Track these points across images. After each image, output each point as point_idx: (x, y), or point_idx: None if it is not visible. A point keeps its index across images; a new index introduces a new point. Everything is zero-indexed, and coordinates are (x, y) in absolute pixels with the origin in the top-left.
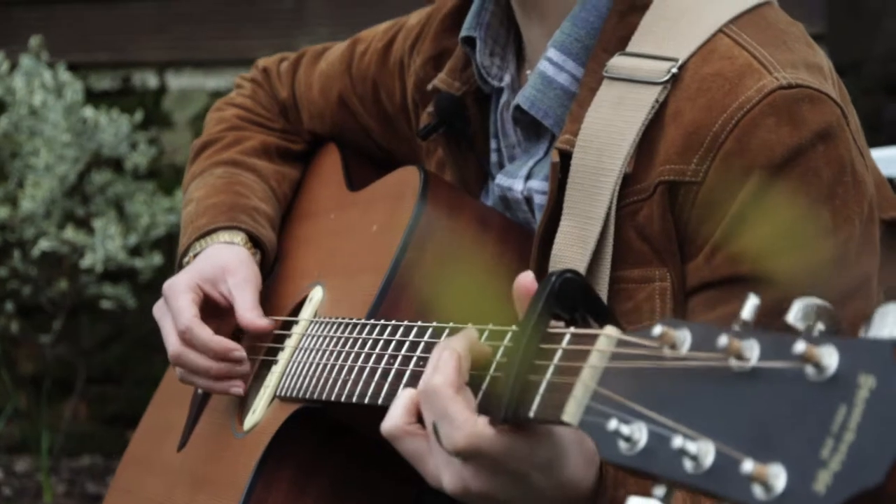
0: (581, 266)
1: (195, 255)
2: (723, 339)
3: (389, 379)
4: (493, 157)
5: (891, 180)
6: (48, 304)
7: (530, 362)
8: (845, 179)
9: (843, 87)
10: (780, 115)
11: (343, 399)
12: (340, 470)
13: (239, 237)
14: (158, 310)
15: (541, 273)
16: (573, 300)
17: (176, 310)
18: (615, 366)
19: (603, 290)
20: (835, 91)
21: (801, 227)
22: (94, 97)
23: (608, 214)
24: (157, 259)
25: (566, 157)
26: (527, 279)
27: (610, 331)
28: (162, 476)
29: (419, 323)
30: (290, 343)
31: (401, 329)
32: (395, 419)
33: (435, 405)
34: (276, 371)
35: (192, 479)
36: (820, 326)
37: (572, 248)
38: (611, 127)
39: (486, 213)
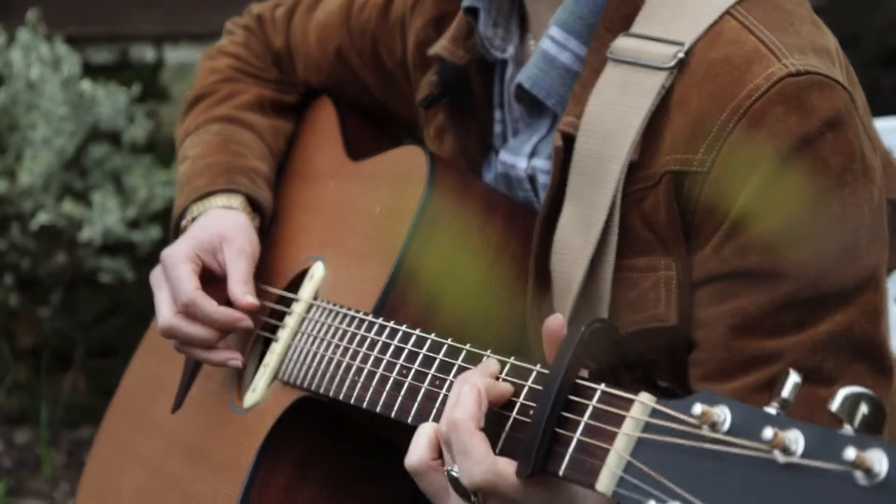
0: (585, 253)
1: (193, 219)
2: (768, 432)
3: (403, 392)
4: (497, 129)
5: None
6: (47, 277)
7: (559, 414)
8: (854, 167)
9: (850, 66)
10: (788, 103)
11: (352, 402)
12: (341, 459)
13: (237, 201)
14: (155, 278)
15: (542, 259)
16: (602, 350)
17: (175, 280)
18: (650, 437)
19: (607, 278)
20: (843, 74)
21: (811, 218)
22: (91, 71)
23: (613, 202)
24: (154, 232)
25: (569, 140)
26: (556, 323)
27: (645, 398)
28: (155, 438)
29: (433, 336)
30: (290, 322)
31: (413, 338)
32: (419, 455)
33: (456, 440)
34: (276, 350)
35: (189, 450)
36: (863, 410)
37: (576, 235)
38: (616, 112)
39: (492, 197)
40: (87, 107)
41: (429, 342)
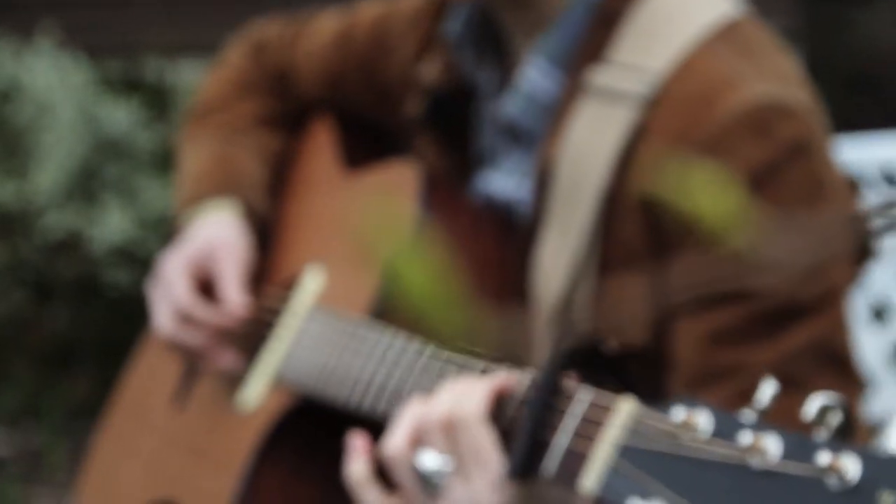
0: (565, 279)
1: (190, 225)
2: (746, 437)
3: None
4: (479, 151)
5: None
6: (56, 285)
7: (544, 418)
8: (821, 191)
9: (813, 91)
10: (755, 130)
11: (352, 407)
12: (339, 459)
13: (232, 206)
14: (153, 288)
15: (520, 287)
16: (585, 357)
17: (169, 286)
18: (633, 443)
19: (586, 301)
20: (806, 100)
21: (781, 240)
22: (103, 83)
23: (591, 229)
24: (163, 242)
25: (548, 168)
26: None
27: (627, 403)
28: (155, 434)
29: (431, 348)
30: (290, 323)
31: (414, 347)
32: (400, 442)
33: (463, 437)
34: (276, 349)
35: (188, 448)
36: (836, 418)
37: (556, 258)
38: (591, 143)
39: (478, 215)
40: (97, 119)
41: (429, 350)
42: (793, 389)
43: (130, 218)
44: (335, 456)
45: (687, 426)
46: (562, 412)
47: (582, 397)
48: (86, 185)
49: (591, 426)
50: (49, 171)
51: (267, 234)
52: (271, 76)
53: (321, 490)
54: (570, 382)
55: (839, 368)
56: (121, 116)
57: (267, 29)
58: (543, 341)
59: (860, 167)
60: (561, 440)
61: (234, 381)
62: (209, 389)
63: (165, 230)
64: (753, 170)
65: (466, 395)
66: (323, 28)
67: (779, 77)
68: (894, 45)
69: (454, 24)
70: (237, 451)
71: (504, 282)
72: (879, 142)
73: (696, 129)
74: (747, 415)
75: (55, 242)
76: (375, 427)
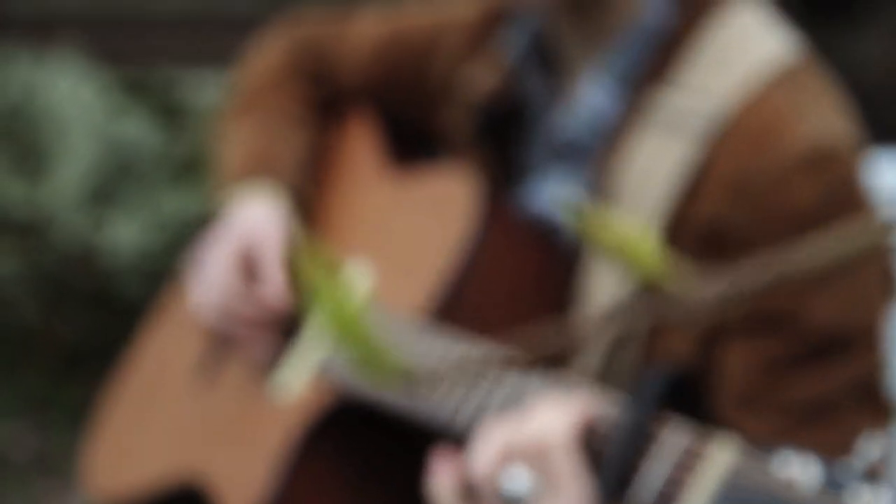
0: (617, 302)
1: (231, 209)
2: (854, 493)
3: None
4: (524, 163)
5: None
6: (69, 292)
7: (631, 463)
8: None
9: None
10: (811, 169)
11: (433, 425)
12: (377, 456)
13: (275, 189)
14: (192, 275)
15: (568, 304)
16: (667, 393)
17: (216, 284)
18: (730, 490)
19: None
20: (855, 148)
21: (832, 271)
22: (119, 92)
23: None
24: (183, 252)
25: (604, 190)
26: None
27: (726, 448)
28: (175, 407)
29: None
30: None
31: (491, 357)
32: (489, 462)
33: (551, 465)
34: (319, 342)
35: (215, 427)
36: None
37: (606, 284)
38: (653, 167)
39: (529, 231)
40: (112, 126)
41: (506, 364)
42: (828, 421)
43: (145, 228)
44: (371, 459)
45: (792, 479)
46: (651, 455)
47: (674, 440)
48: (101, 194)
49: (685, 472)
50: (64, 181)
51: (308, 216)
52: (313, 66)
53: (355, 490)
54: (659, 423)
55: (875, 402)
56: (137, 125)
57: (309, 22)
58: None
59: None
60: (652, 482)
61: (270, 366)
62: (240, 370)
63: (180, 240)
64: (806, 209)
65: (556, 419)
66: (371, 26)
67: (833, 117)
68: (885, 65)
69: (517, 36)
70: (272, 440)
71: (548, 301)
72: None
73: (756, 164)
74: (854, 468)
75: (69, 251)
76: (422, 435)
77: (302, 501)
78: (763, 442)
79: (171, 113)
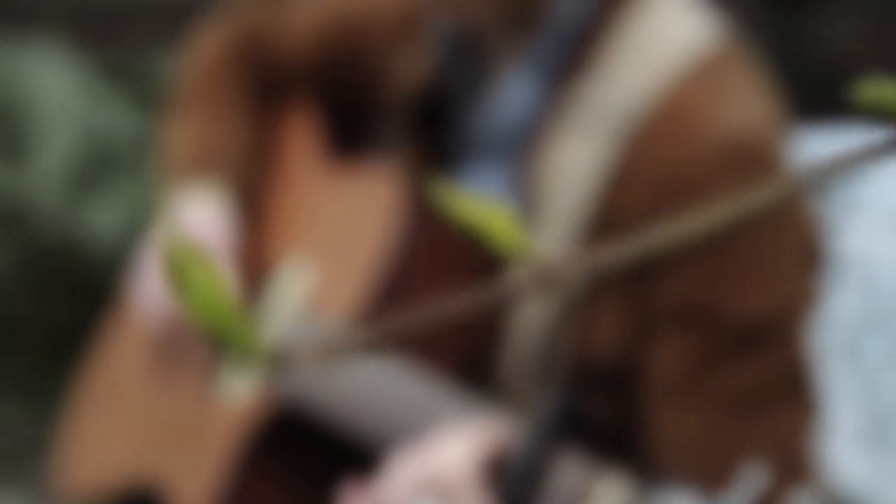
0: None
1: (172, 212)
2: None
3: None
4: (456, 157)
5: None
6: (56, 285)
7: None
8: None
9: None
10: (730, 165)
11: (353, 439)
12: (318, 470)
13: (220, 187)
14: (134, 283)
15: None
16: (563, 423)
17: (154, 297)
18: None
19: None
20: (779, 137)
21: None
22: (101, 79)
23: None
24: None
25: (528, 186)
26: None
27: (612, 495)
28: (135, 406)
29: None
30: (277, 320)
31: (413, 380)
32: (395, 496)
33: (453, 500)
34: (262, 345)
35: (168, 432)
36: None
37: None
38: (571, 171)
39: (450, 231)
40: (95, 116)
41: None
42: (757, 413)
43: (127, 215)
44: (316, 468)
45: None
46: (543, 494)
47: (565, 478)
48: (82, 182)
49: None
50: (45, 169)
51: (252, 211)
52: (254, 55)
53: (302, 497)
54: (556, 455)
55: (803, 391)
56: (118, 113)
57: (248, 8)
58: (522, 369)
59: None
60: None
61: (217, 369)
62: (194, 371)
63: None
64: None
65: (460, 453)
66: (311, 9)
67: (754, 105)
68: (856, 45)
69: (443, 24)
70: (220, 443)
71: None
72: (840, 135)
73: (676, 160)
74: (734, 502)
75: (51, 239)
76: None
77: None
78: (652, 476)
79: (152, 101)
